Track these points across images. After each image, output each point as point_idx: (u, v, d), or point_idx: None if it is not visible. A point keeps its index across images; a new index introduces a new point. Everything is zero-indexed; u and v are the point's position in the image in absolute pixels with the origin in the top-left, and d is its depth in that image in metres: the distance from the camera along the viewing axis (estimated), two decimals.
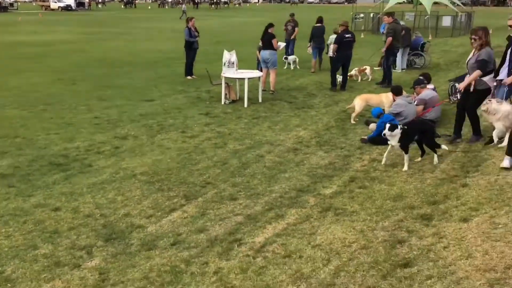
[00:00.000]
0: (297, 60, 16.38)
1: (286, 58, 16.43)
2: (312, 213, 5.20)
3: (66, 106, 10.71)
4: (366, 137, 7.99)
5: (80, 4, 65.81)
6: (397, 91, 8.37)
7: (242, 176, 6.68)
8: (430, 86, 9.18)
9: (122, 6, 74.33)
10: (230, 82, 11.43)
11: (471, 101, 6.99)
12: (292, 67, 16.21)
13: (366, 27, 30.71)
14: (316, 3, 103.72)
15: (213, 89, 12.28)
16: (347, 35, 12.42)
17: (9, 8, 62.65)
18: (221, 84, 11.29)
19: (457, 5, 29.95)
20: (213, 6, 71.56)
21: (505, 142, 6.07)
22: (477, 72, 6.67)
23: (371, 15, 32.41)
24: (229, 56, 11.56)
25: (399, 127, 6.29)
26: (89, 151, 7.70)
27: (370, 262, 3.84)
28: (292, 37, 17.18)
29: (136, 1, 77.89)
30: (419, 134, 6.48)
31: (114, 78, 14.33)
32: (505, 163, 5.18)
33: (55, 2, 64.98)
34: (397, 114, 7.72)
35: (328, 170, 6.70)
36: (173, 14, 55.82)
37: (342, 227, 4.63)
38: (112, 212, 5.59)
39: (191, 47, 14.28)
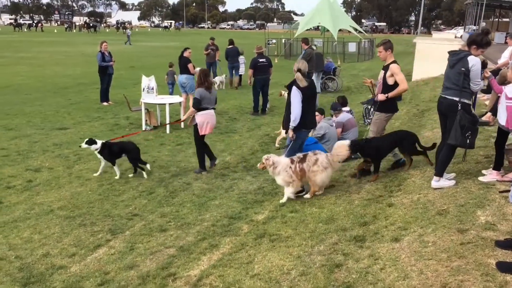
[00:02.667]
0: (225, 79, 17.68)
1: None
2: (247, 240, 5.13)
3: None
4: None
5: None
6: (321, 112, 8.64)
7: (170, 206, 6.46)
8: (346, 108, 9.63)
9: (25, 30, 70.08)
10: (150, 108, 11.13)
11: (194, 135, 7.93)
12: (222, 86, 17.40)
13: (279, 52, 31.78)
14: (228, 28, 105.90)
15: (132, 115, 11.88)
16: (261, 60, 12.76)
17: None
18: (141, 110, 10.96)
19: (359, 32, 32.11)
20: (123, 30, 70.13)
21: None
22: (191, 109, 7.77)
23: (283, 40, 33.67)
24: (148, 81, 11.30)
25: (98, 142, 7.46)
26: None
27: None
28: (217, 58, 18.19)
29: (43, 25, 74.15)
30: (125, 153, 7.57)
31: (21, 105, 13.31)
32: (433, 183, 5.42)
33: None
34: (321, 137, 7.97)
35: (258, 195, 6.70)
36: (81, 38, 53.66)
37: (278, 253, 4.60)
38: (29, 253, 5.10)
39: (105, 72, 13.76)
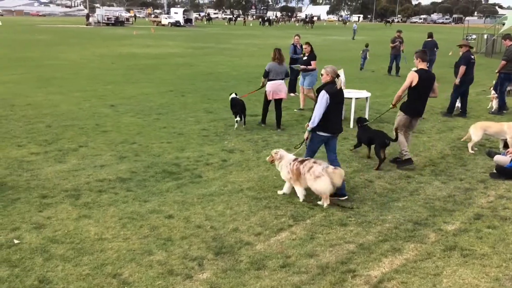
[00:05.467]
0: None
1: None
2: (434, 250, 4.77)
3: (176, 117, 11.19)
4: (495, 171, 7.28)
5: (187, 21, 70.13)
6: None
7: (350, 201, 6.40)
8: None
9: (226, 23, 78.05)
10: None
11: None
12: None
13: (478, 49, 28.72)
14: (420, 22, 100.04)
15: None
16: (472, 56, 11.66)
17: (125, 22, 68.49)
18: None
19: None
20: (309, 24, 72.81)
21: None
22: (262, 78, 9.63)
23: (485, 36, 30.30)
24: None
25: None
26: (199, 162, 7.89)
27: None
28: (402, 48, 18.86)
29: (246, 19, 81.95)
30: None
31: (219, 91, 14.77)
32: None
33: (166, 19, 70.73)
34: None
35: (447, 204, 6.17)
36: (272, 31, 56.87)
37: (472, 271, 4.17)
38: (221, 226, 5.60)
39: (294, 64, 14.32)
